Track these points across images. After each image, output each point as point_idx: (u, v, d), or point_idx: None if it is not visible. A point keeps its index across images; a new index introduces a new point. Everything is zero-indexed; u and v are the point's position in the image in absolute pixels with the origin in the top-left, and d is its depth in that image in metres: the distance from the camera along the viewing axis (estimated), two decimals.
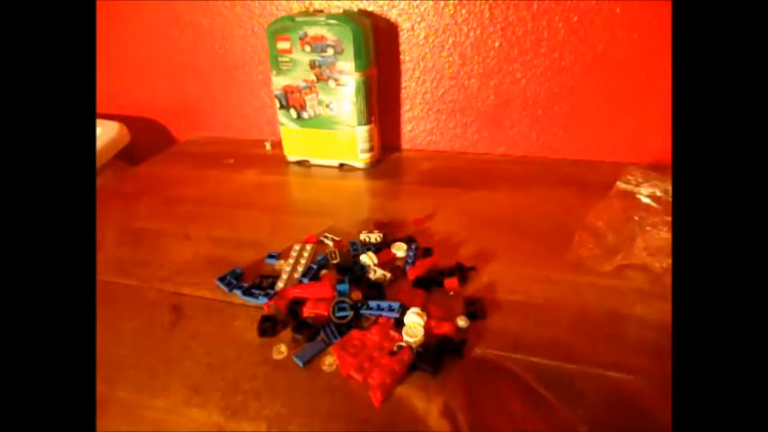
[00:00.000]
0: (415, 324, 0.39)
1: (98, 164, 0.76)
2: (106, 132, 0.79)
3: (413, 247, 0.49)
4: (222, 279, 0.46)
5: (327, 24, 0.62)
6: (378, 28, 0.70)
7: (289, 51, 0.66)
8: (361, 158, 0.71)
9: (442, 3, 0.67)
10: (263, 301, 0.43)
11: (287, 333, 0.40)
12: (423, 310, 0.40)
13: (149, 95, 0.90)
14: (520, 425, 0.31)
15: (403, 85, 0.74)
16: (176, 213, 0.61)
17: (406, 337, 0.38)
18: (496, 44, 0.68)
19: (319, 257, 0.48)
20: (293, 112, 0.71)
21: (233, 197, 0.65)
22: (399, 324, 0.39)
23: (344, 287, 0.43)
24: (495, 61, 0.69)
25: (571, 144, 0.72)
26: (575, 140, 0.71)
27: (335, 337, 0.39)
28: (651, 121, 0.67)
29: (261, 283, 0.46)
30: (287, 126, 0.72)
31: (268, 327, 0.40)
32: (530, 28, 0.66)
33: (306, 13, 0.66)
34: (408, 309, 0.40)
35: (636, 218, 0.45)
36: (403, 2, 0.69)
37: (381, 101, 0.74)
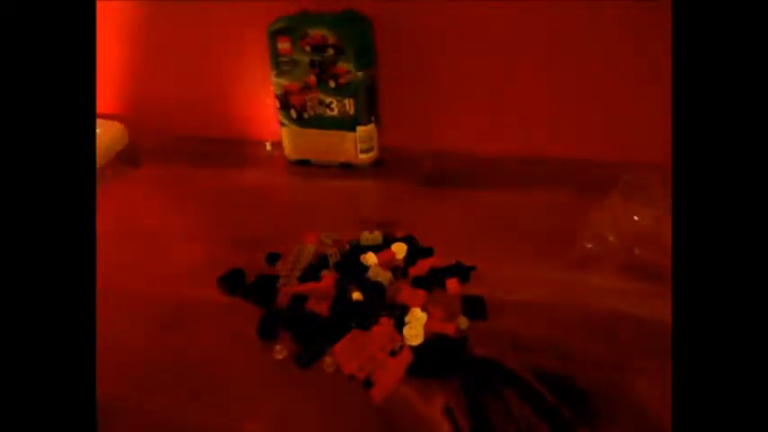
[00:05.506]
0: (415, 324, 0.39)
1: (98, 164, 0.76)
2: (106, 132, 0.79)
3: (413, 246, 0.49)
4: (222, 279, 0.46)
5: (327, 24, 0.62)
6: (378, 28, 0.70)
7: (289, 51, 0.66)
8: (361, 158, 0.71)
9: (441, 2, 0.67)
10: (262, 301, 0.43)
11: (287, 333, 0.40)
12: (423, 310, 0.40)
13: (149, 95, 0.89)
14: (520, 425, 0.32)
15: (403, 85, 0.74)
16: (176, 213, 0.61)
17: (406, 338, 0.38)
18: (497, 44, 0.68)
19: (319, 257, 0.48)
20: (293, 112, 0.71)
21: (233, 197, 0.65)
22: (399, 324, 0.39)
23: (344, 287, 0.43)
24: (496, 61, 0.69)
25: (571, 144, 0.71)
26: (574, 140, 0.71)
27: (336, 337, 0.39)
28: (651, 121, 0.67)
29: (261, 282, 0.46)
30: (287, 126, 0.72)
31: (268, 327, 0.40)
32: (530, 28, 0.65)
33: (306, 13, 0.66)
34: (408, 309, 0.40)
35: (636, 218, 0.45)
36: (403, 2, 0.69)
37: (381, 101, 0.74)
